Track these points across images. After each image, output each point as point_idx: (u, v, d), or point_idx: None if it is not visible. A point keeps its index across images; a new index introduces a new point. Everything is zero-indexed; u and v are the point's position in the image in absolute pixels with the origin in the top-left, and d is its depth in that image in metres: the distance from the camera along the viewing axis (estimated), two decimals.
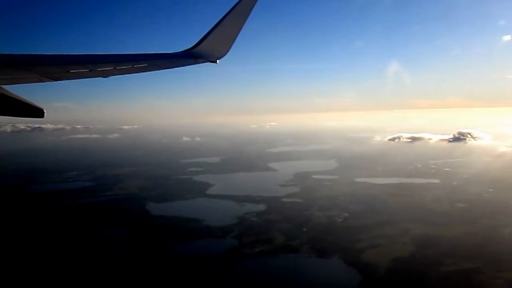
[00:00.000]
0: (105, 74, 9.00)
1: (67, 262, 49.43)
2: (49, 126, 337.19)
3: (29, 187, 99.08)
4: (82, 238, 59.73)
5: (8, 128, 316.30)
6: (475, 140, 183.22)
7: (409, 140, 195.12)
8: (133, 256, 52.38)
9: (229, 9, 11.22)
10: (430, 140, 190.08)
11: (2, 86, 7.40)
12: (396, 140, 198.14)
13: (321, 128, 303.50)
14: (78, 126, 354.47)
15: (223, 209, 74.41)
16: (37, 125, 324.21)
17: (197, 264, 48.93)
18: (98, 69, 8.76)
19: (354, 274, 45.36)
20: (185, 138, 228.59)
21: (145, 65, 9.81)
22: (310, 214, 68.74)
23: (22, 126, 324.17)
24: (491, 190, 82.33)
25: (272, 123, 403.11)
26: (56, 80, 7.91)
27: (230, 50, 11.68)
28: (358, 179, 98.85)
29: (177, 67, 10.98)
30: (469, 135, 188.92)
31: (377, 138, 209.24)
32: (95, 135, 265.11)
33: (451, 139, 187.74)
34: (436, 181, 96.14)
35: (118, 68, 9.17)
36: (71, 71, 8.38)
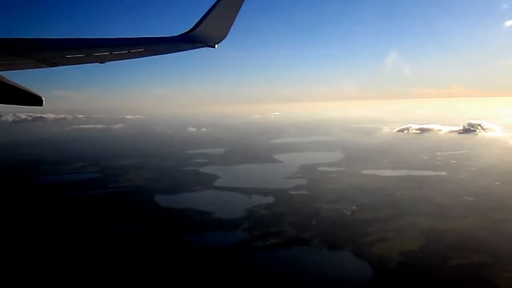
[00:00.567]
0: (101, 60, 8.84)
1: (76, 255, 49.90)
2: (50, 115, 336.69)
3: (35, 178, 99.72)
4: (91, 230, 60.24)
5: (10, 118, 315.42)
6: (485, 131, 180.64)
7: (418, 131, 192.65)
8: (145, 249, 52.99)
9: None
10: (440, 132, 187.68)
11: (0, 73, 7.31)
12: (405, 132, 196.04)
13: (325, 118, 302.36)
14: (80, 116, 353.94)
15: (231, 202, 74.99)
16: (38, 115, 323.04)
17: (210, 257, 49.44)
18: (95, 54, 8.59)
19: (365, 267, 45.89)
20: (191, 129, 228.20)
21: (142, 50, 9.58)
22: (319, 207, 69.24)
23: (23, 116, 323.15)
24: (498, 183, 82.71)
25: (276, 113, 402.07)
26: (53, 65, 7.81)
27: (229, 36, 11.28)
28: (364, 171, 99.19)
29: (175, 52, 10.75)
30: (479, 127, 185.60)
31: (385, 129, 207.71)
32: (99, 125, 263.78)
33: (461, 131, 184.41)
34: (444, 173, 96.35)
35: (114, 53, 8.91)
36: (67, 56, 8.21)
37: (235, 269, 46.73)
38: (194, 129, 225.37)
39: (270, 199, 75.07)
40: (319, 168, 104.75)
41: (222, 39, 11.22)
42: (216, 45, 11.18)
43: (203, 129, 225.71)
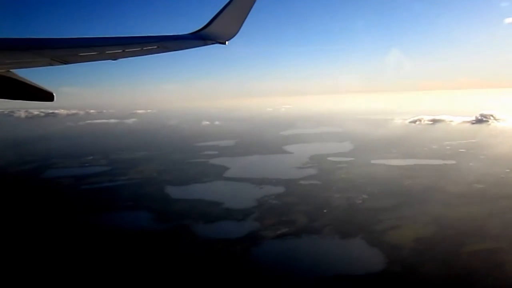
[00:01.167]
0: (114, 57, 9.03)
1: (89, 247, 50.23)
2: (62, 111, 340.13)
3: (46, 172, 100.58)
4: (103, 222, 61.04)
5: (22, 114, 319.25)
6: (498, 122, 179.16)
7: (431, 122, 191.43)
8: (158, 239, 53.42)
9: None
10: (452, 122, 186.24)
11: (12, 70, 7.57)
12: (417, 123, 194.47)
13: (333, 110, 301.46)
14: (92, 111, 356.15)
15: (241, 192, 75.17)
16: (50, 111, 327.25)
17: (222, 246, 49.84)
18: (107, 52, 8.79)
19: (379, 255, 45.78)
20: (204, 122, 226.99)
21: (154, 47, 9.77)
22: (329, 196, 69.21)
23: (35, 112, 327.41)
24: (508, 170, 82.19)
25: (287, 106, 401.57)
26: (66, 63, 7.96)
27: (238, 33, 11.54)
28: (374, 161, 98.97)
29: (187, 48, 10.93)
30: (491, 117, 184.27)
31: (397, 120, 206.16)
32: (112, 120, 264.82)
33: (473, 121, 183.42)
34: (453, 162, 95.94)
35: (127, 50, 9.11)
36: (80, 54, 8.42)
37: (247, 258, 47.04)
38: (208, 123, 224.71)
39: (280, 189, 75.14)
40: (329, 158, 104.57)
41: (233, 36, 11.47)
42: (226, 42, 11.40)
43: (217, 123, 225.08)
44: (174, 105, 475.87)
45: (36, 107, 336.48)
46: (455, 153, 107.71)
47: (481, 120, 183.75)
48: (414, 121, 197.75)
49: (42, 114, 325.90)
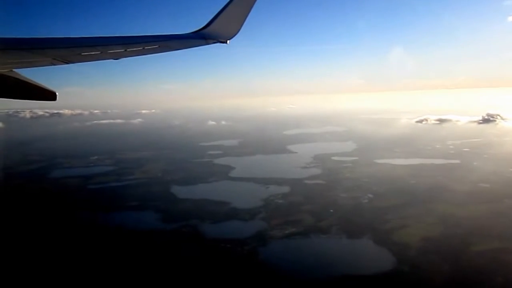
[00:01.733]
0: (116, 56, 9.00)
1: (97, 247, 50.60)
2: (67, 111, 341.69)
3: (53, 172, 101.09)
4: (111, 221, 61.44)
5: (27, 115, 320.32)
6: (505, 121, 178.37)
7: (437, 122, 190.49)
8: (166, 239, 53.78)
9: None
10: (458, 122, 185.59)
11: (14, 69, 7.61)
12: (423, 122, 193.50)
13: (337, 110, 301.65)
14: (96, 111, 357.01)
15: (247, 192, 75.46)
16: (55, 111, 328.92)
17: (230, 246, 50.11)
18: (109, 51, 8.77)
19: (387, 255, 46.04)
20: (210, 122, 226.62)
21: (156, 46, 9.77)
22: (335, 196, 69.54)
23: (40, 112, 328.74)
24: None
25: (291, 105, 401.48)
26: (68, 63, 7.96)
27: (240, 31, 11.56)
28: (378, 160, 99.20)
29: (188, 48, 10.88)
30: (498, 117, 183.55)
31: (403, 120, 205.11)
32: (118, 120, 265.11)
33: (480, 121, 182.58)
34: (457, 161, 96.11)
35: (128, 50, 9.11)
36: (83, 53, 8.44)
37: (255, 258, 47.26)
38: (214, 123, 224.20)
39: (285, 189, 75.44)
40: (333, 158, 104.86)
41: (234, 35, 11.54)
42: (228, 41, 11.46)
43: (223, 122, 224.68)
44: (178, 105, 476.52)
45: (40, 107, 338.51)
46: (462, 152, 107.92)
47: (488, 120, 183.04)
48: (421, 121, 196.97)
49: (47, 114, 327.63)
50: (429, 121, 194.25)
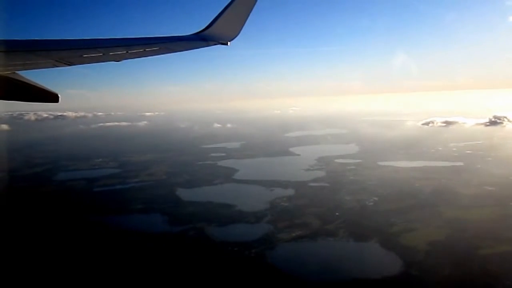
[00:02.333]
0: (117, 58, 9.02)
1: (103, 249, 50.87)
2: (71, 114, 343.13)
3: (58, 174, 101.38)
4: (117, 224, 61.55)
5: (32, 117, 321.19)
6: None
7: (444, 124, 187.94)
8: (173, 242, 53.87)
9: None
10: (465, 125, 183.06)
11: (16, 72, 7.58)
12: (430, 125, 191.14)
13: (341, 111, 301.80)
14: (100, 113, 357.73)
15: (252, 194, 75.62)
16: (59, 114, 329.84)
17: (237, 249, 50.19)
18: (111, 53, 8.83)
19: (394, 258, 46.14)
20: (216, 125, 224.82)
21: (157, 48, 9.82)
22: (340, 198, 69.61)
23: (45, 115, 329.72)
24: None
25: (295, 108, 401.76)
26: (70, 65, 7.96)
27: (241, 33, 11.61)
28: (381, 163, 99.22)
29: (189, 49, 10.86)
30: (505, 119, 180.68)
31: (409, 122, 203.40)
32: (123, 123, 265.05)
33: (487, 123, 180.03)
34: (461, 163, 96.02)
35: (130, 52, 9.18)
36: (85, 55, 8.44)
37: (263, 261, 47.28)
38: (219, 125, 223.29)
39: (290, 192, 75.55)
40: (336, 160, 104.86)
41: (235, 37, 11.60)
42: (229, 43, 11.50)
43: (229, 125, 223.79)
44: (181, 107, 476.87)
45: (45, 110, 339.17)
46: (470, 155, 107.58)
47: (495, 122, 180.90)
48: (427, 123, 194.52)
49: (52, 116, 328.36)
50: (435, 124, 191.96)
